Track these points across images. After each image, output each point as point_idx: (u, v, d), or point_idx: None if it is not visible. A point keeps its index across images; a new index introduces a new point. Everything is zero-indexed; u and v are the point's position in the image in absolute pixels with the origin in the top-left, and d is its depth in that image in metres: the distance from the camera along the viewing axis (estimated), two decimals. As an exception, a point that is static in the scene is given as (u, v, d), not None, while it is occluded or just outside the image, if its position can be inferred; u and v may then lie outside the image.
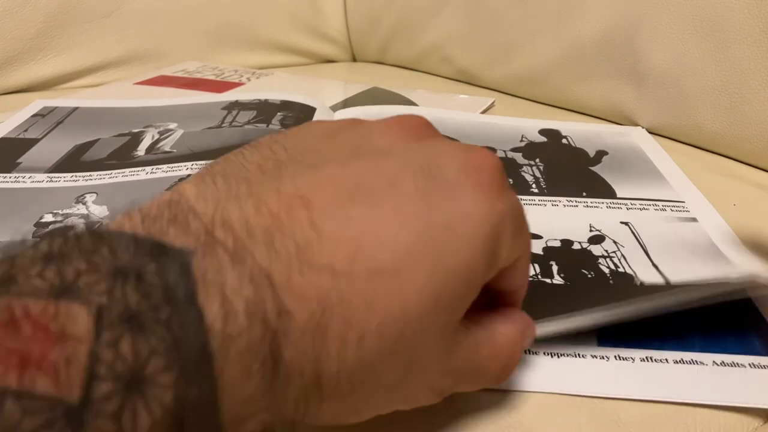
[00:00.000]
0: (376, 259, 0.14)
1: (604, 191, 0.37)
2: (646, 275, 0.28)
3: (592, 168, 0.41)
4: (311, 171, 0.16)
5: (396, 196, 0.15)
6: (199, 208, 0.14)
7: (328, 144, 0.17)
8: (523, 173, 0.40)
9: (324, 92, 0.54)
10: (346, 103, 0.52)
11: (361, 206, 0.15)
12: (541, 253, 0.30)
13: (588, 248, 0.31)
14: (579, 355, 0.24)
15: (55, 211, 0.33)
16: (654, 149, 0.44)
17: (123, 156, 0.40)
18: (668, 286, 0.28)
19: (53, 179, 0.37)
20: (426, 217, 0.15)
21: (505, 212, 0.17)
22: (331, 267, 0.14)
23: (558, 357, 0.24)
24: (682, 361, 0.23)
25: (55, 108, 0.49)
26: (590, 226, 0.33)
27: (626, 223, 0.33)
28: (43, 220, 0.32)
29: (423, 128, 0.19)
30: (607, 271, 0.29)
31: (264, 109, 0.48)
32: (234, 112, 0.48)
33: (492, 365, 0.19)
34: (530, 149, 0.43)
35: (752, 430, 0.22)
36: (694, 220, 0.34)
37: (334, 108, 0.49)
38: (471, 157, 0.17)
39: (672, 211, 0.35)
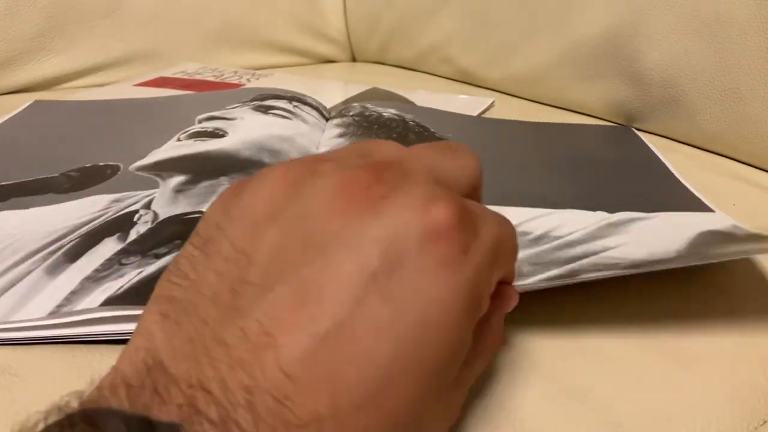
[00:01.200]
0: (359, 388, 0.14)
1: None
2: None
3: None
4: (267, 294, 0.14)
5: (361, 312, 0.14)
6: (175, 372, 0.14)
7: (272, 235, 0.16)
8: None
9: (324, 92, 0.54)
10: (346, 103, 0.52)
11: (326, 327, 0.14)
12: None
13: None
14: None
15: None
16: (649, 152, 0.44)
17: None
18: None
19: None
20: (398, 323, 0.14)
21: (477, 268, 0.16)
22: (315, 414, 0.13)
23: None
24: None
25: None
26: None
27: None
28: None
29: (377, 185, 0.16)
30: None
31: None
32: None
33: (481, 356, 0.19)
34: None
35: (752, 429, 0.22)
36: None
37: (335, 108, 0.49)
38: (428, 221, 0.15)
39: None
